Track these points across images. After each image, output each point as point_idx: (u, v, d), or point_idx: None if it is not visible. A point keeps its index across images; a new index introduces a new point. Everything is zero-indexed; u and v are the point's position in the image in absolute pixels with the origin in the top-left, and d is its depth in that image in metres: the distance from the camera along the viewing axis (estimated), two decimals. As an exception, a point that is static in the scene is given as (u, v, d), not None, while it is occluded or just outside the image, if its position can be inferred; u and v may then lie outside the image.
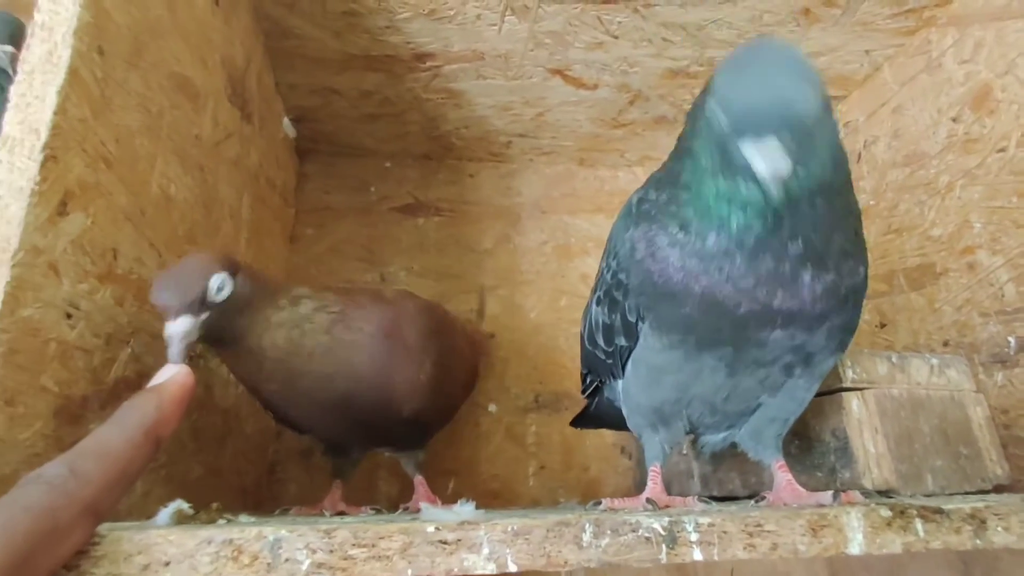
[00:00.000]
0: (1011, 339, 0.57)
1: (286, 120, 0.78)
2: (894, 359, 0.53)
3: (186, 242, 0.47)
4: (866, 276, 0.40)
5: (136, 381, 0.40)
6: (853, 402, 0.49)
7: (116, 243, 0.37)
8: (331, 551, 0.25)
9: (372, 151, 0.89)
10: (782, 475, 0.45)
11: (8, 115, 0.31)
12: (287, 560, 0.25)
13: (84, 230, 0.35)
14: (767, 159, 0.30)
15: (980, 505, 0.30)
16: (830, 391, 0.50)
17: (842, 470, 0.48)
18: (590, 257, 0.89)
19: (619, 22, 0.66)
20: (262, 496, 0.68)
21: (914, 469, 0.48)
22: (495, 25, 0.67)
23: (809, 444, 0.52)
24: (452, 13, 0.65)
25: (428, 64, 0.73)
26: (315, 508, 0.53)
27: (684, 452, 0.64)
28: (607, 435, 0.80)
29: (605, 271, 0.49)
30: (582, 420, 0.68)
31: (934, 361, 0.55)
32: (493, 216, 0.89)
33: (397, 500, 0.65)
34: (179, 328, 0.37)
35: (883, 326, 0.73)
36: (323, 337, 0.43)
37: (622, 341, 0.46)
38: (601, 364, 0.51)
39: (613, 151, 0.91)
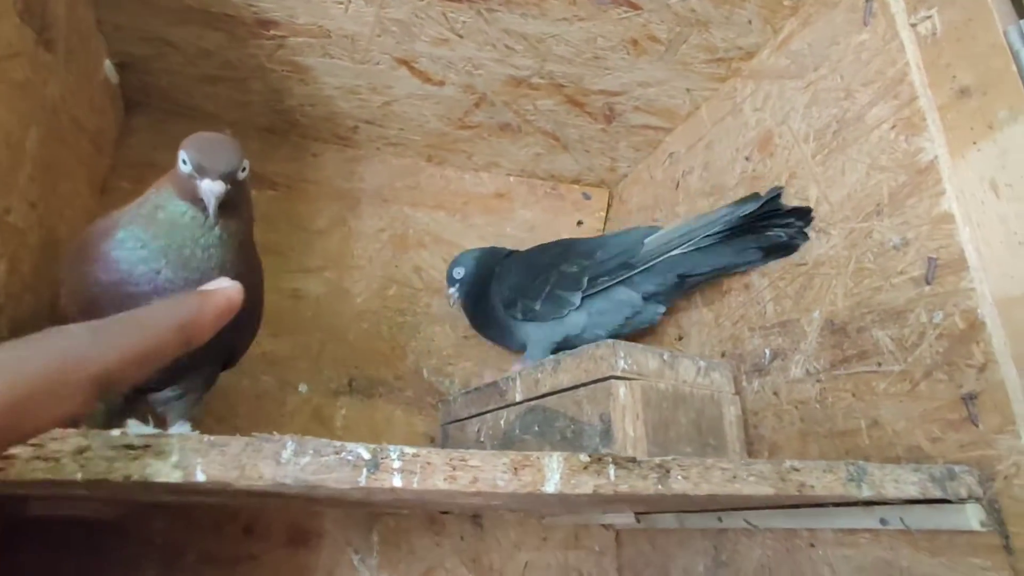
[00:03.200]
0: (767, 351, 0.65)
1: (108, 63, 0.72)
2: (665, 356, 0.58)
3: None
4: None
5: None
6: (621, 389, 0.53)
7: None
8: (-14, 448, 0.23)
9: (212, 115, 0.85)
10: None
11: None
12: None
13: None
14: None
15: (669, 458, 0.34)
16: (603, 378, 0.55)
17: (603, 450, 0.52)
18: (426, 251, 0.90)
19: (463, 21, 0.69)
20: None
21: (664, 453, 0.52)
22: (341, 3, 0.67)
23: (580, 428, 0.55)
24: (297, -19, 0.64)
25: (272, 33, 0.71)
26: None
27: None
28: (417, 423, 0.80)
29: None
30: None
31: (702, 363, 0.61)
32: (331, 198, 0.88)
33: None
34: (219, 188, 0.43)
35: (680, 339, 0.80)
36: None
37: None
38: None
39: (460, 152, 0.93)
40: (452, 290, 0.82)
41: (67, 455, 0.24)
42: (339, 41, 0.72)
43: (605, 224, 1.00)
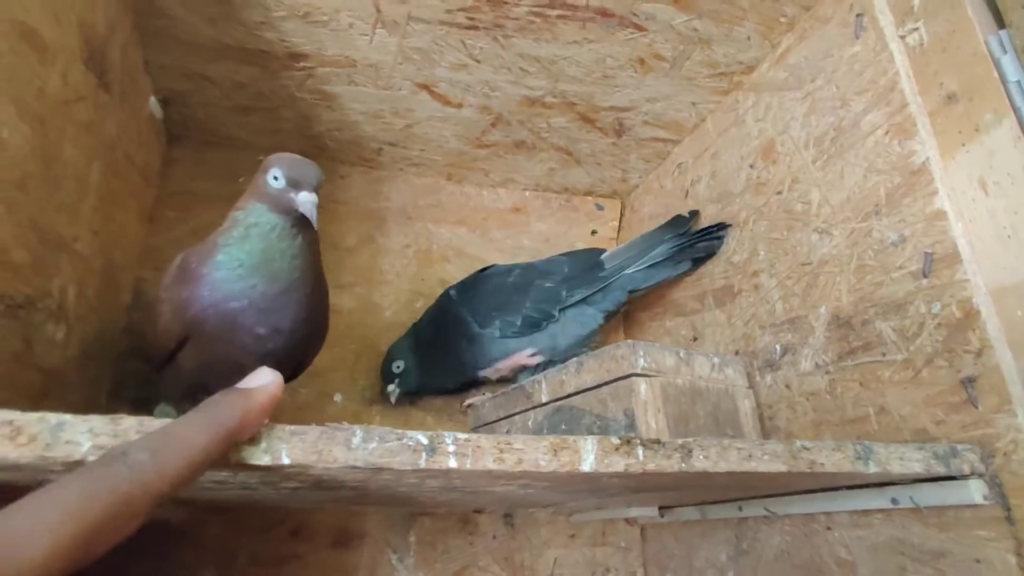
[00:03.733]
0: (778, 347, 0.68)
1: (153, 99, 0.78)
2: (681, 354, 0.62)
3: (15, 188, 0.47)
4: None
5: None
6: (642, 386, 0.57)
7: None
8: (115, 436, 0.28)
9: (245, 143, 0.90)
10: None
11: None
12: (67, 442, 0.27)
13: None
14: None
15: (690, 440, 0.38)
16: (624, 376, 0.58)
17: (628, 443, 0.56)
18: (449, 264, 0.94)
19: (480, 47, 0.74)
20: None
21: (685, 443, 0.56)
22: (367, 35, 0.72)
23: (606, 423, 0.59)
24: (326, 19, 0.70)
25: (302, 64, 0.76)
26: None
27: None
28: (448, 429, 0.84)
29: None
30: None
31: (716, 360, 0.65)
32: (359, 217, 0.93)
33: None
34: (315, 198, 0.50)
35: (695, 339, 0.84)
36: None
37: None
38: None
39: (478, 170, 0.98)
40: (392, 386, 0.82)
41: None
42: (364, 70, 0.77)
43: (619, 233, 1.04)
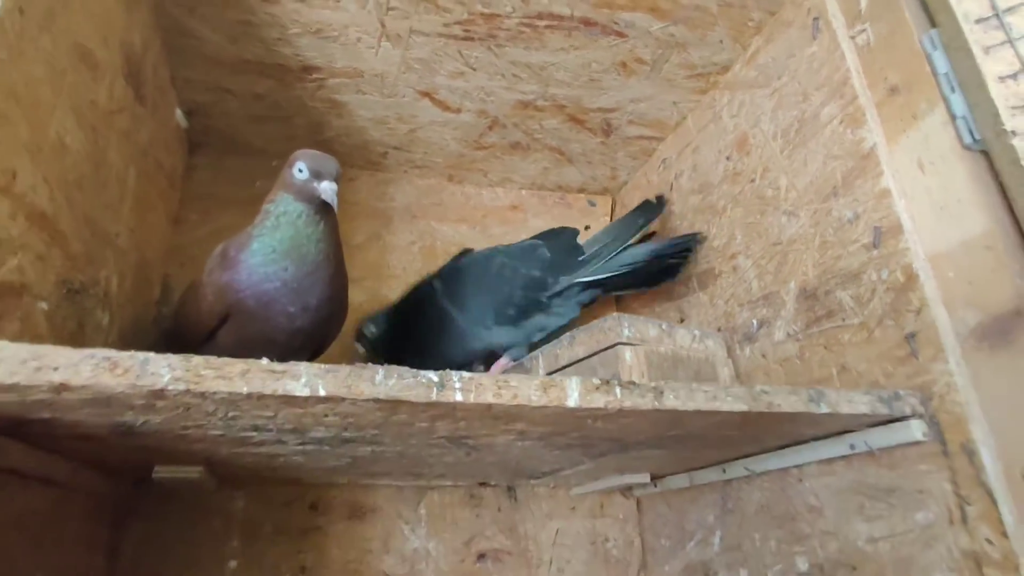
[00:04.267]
0: (754, 321, 0.75)
1: (178, 111, 0.85)
2: (664, 327, 0.68)
3: (75, 187, 0.54)
4: None
5: (16, 289, 0.46)
6: (627, 353, 0.64)
7: (16, 167, 0.45)
8: (187, 370, 0.34)
9: (261, 150, 0.97)
10: None
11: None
12: (152, 373, 0.34)
13: (-8, 151, 0.42)
14: None
15: (662, 383, 0.44)
16: (611, 346, 0.65)
17: (615, 404, 0.62)
18: (452, 259, 1.01)
19: (476, 56, 0.81)
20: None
21: (667, 403, 0.63)
22: (373, 48, 0.79)
23: (596, 389, 0.66)
24: (336, 34, 0.77)
25: (314, 76, 0.84)
26: None
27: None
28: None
29: None
30: None
31: (696, 332, 0.71)
32: (367, 216, 1.00)
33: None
34: (336, 186, 0.58)
35: (682, 320, 0.90)
36: None
37: None
38: None
39: (477, 171, 1.05)
40: (359, 344, 0.88)
41: (237, 375, 0.35)
42: (370, 79, 0.85)
43: (610, 227, 1.11)
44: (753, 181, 0.77)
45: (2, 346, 0.32)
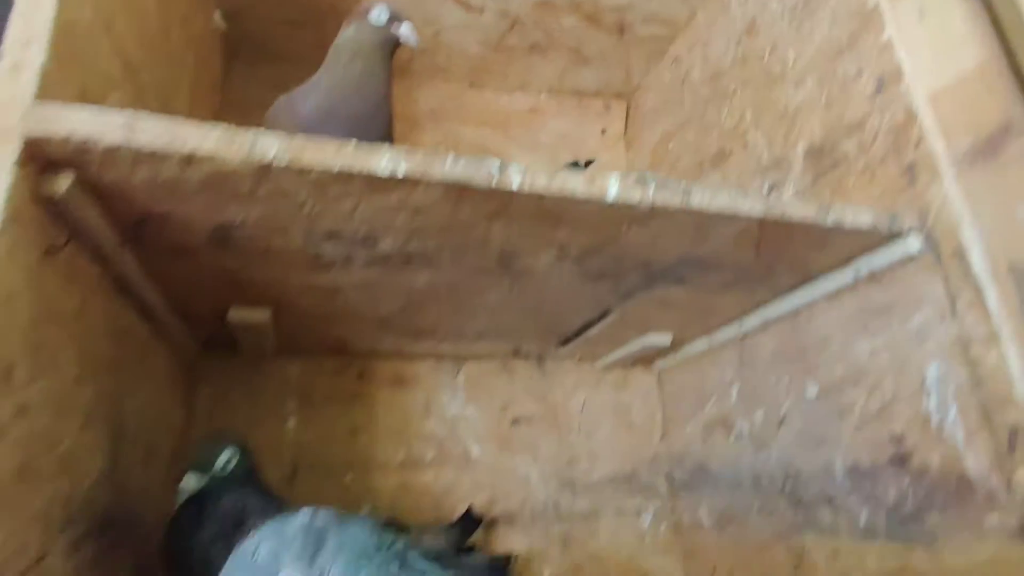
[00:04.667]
0: (766, 184, 0.80)
1: (217, 13, 0.90)
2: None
3: (150, 50, 0.60)
4: None
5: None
6: (650, 205, 0.70)
7: (114, 12, 0.51)
8: (290, 145, 0.41)
9: (295, 57, 1.01)
10: None
11: None
12: (262, 146, 0.40)
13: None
14: None
15: (692, 184, 0.51)
16: (636, 199, 0.71)
17: (641, 248, 0.69)
18: (477, 159, 1.07)
19: (499, -50, 0.86)
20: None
21: (687, 246, 0.69)
22: (401, -56, 0.84)
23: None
24: (365, -70, 0.81)
25: (344, -24, 0.88)
26: None
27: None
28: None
29: None
30: None
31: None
32: (396, 118, 1.05)
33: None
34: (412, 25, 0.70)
35: (695, 206, 0.96)
36: None
37: None
38: None
39: (498, 74, 1.10)
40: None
41: (331, 151, 0.41)
42: (398, -20, 0.89)
43: (626, 129, 1.16)
44: (762, 59, 0.83)
45: (144, 117, 0.38)
